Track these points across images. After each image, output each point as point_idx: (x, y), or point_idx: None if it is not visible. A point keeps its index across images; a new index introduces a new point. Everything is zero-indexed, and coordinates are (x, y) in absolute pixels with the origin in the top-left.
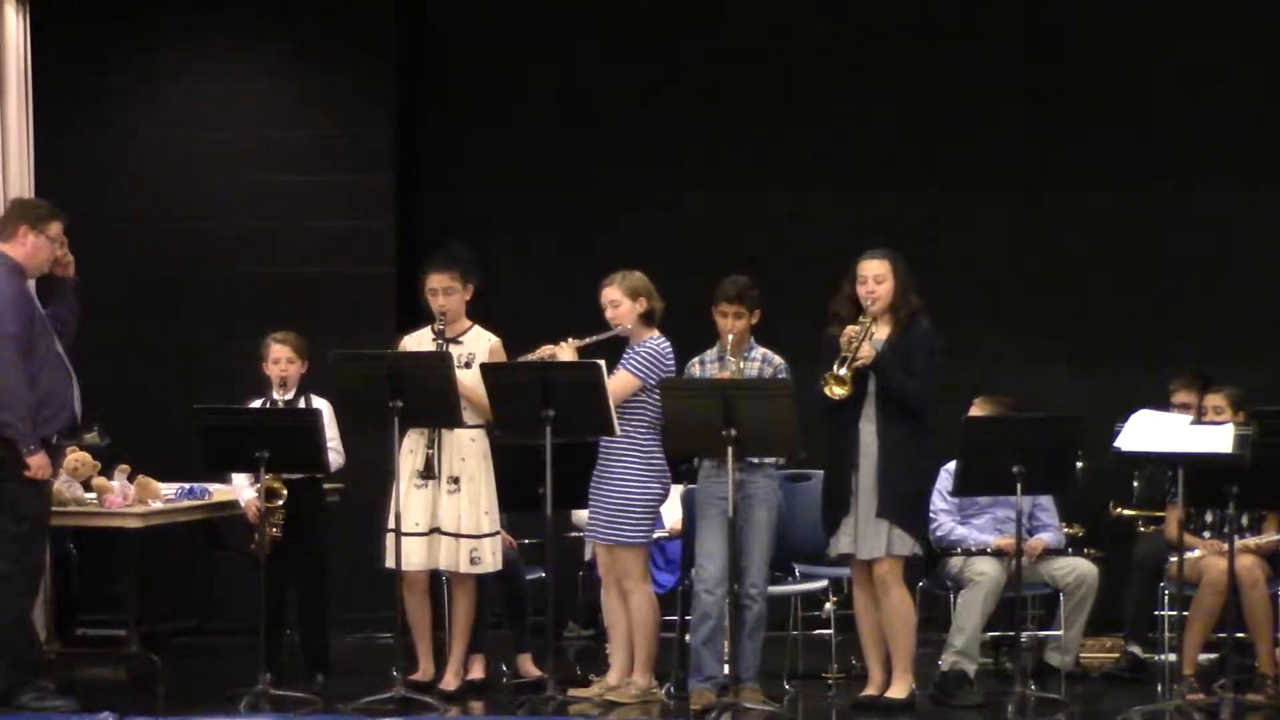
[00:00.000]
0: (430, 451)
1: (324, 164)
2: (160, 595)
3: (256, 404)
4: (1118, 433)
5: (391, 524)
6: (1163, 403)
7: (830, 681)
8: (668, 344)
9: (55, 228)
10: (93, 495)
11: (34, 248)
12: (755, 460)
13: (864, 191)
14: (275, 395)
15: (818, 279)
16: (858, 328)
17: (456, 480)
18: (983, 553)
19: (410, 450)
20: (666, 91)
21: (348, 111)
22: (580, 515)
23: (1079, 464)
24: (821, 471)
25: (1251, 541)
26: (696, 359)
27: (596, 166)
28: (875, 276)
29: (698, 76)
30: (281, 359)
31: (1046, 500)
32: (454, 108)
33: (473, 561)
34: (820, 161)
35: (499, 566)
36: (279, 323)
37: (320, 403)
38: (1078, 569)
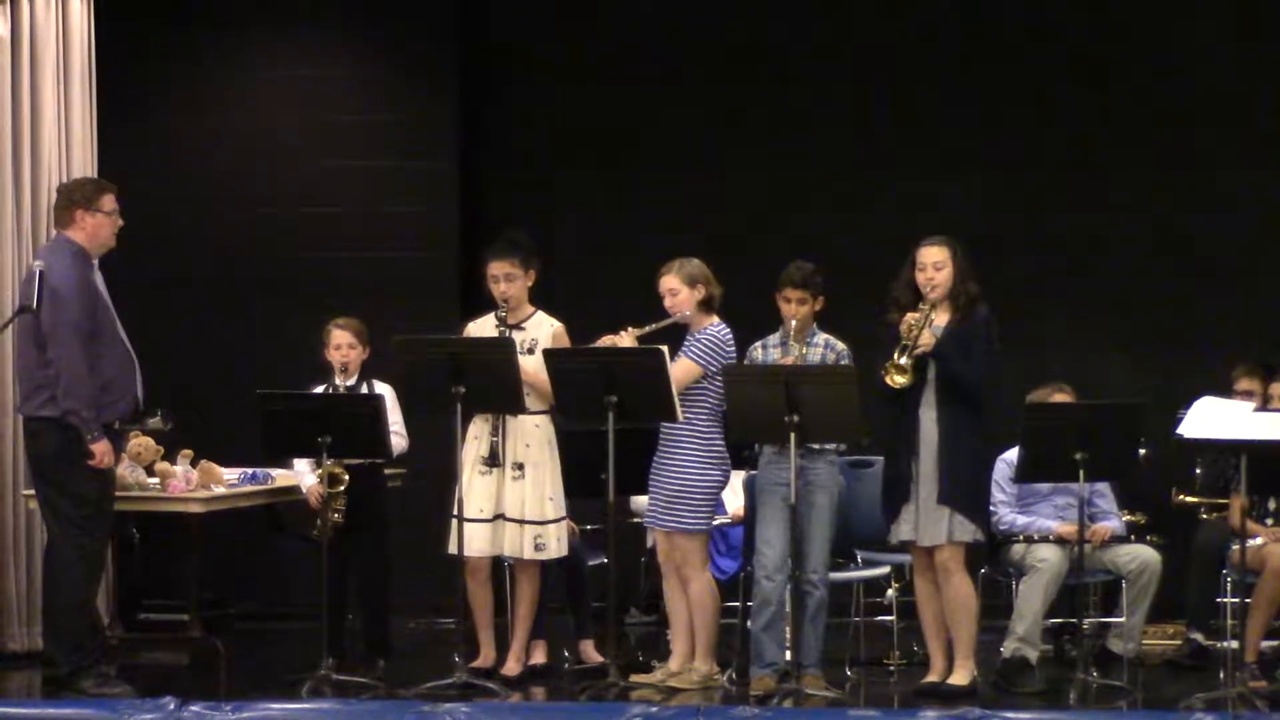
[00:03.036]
0: (495, 439)
1: (388, 149)
2: (223, 580)
3: (319, 390)
4: (1180, 420)
5: (456, 510)
6: (1226, 390)
7: (892, 668)
8: (728, 330)
9: (108, 200)
10: (155, 480)
11: (94, 227)
12: (816, 447)
13: (923, 177)
14: (337, 381)
15: (878, 265)
16: (918, 315)
17: (521, 467)
18: (1045, 539)
19: (475, 437)
20: (733, 71)
21: (411, 97)
22: (641, 501)
23: (1141, 451)
24: (882, 459)
25: None
26: (759, 343)
27: (661, 153)
28: (934, 263)
29: (767, 56)
30: (343, 344)
31: (1104, 487)
32: (518, 92)
33: (537, 548)
34: (883, 145)
35: (564, 552)
36: (341, 308)
37: (383, 387)
38: (1140, 556)
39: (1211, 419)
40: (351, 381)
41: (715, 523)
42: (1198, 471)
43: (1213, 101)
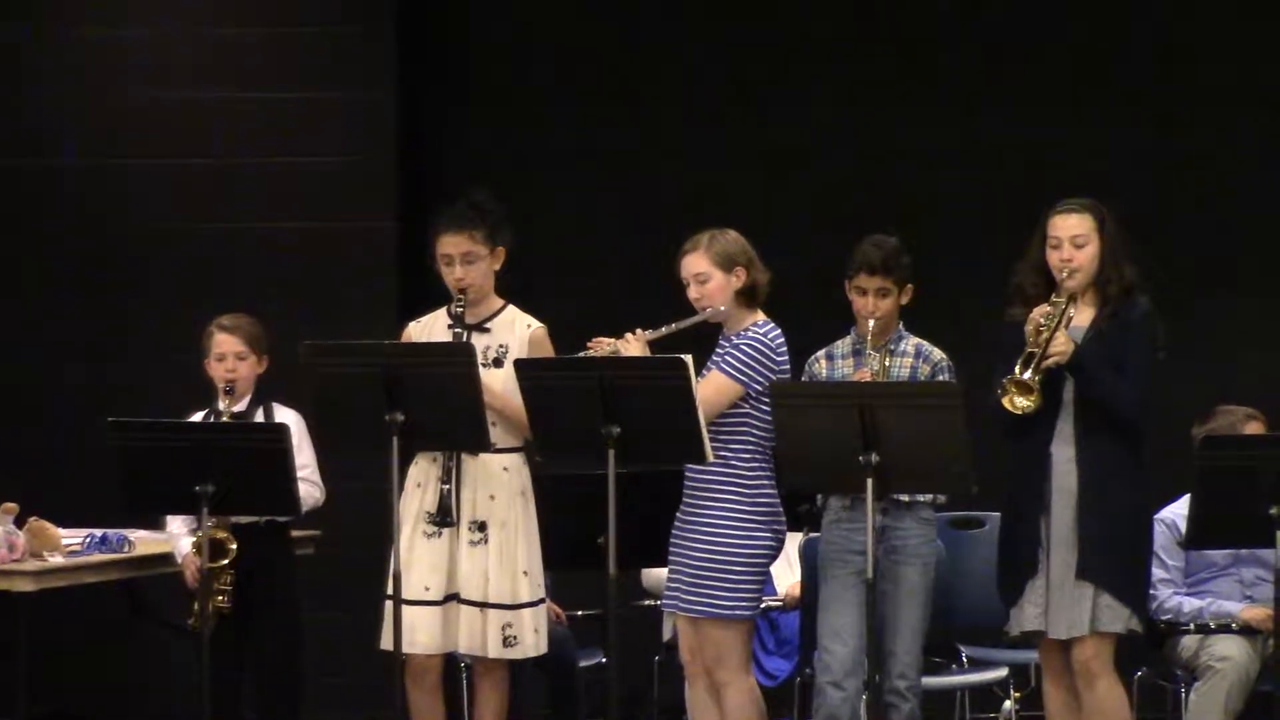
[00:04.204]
0: (445, 487)
1: (297, 74)
2: (64, 684)
3: (197, 418)
4: None
5: (391, 588)
6: None
7: None
8: (778, 332)
9: None
10: None
11: None
12: (905, 499)
13: (1051, 113)
14: (221, 405)
15: (989, 239)
16: (1049, 310)
17: (483, 528)
18: (1226, 629)
19: (418, 484)
20: None
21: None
22: (657, 576)
23: None
24: (998, 515)
25: None
26: (823, 352)
27: (673, 86)
28: (1073, 238)
29: None
30: (229, 354)
31: None
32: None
33: (507, 643)
34: (984, 70)
35: (543, 649)
36: (228, 303)
37: (287, 415)
38: None
39: None
40: (241, 406)
41: (762, 606)
42: None
43: None
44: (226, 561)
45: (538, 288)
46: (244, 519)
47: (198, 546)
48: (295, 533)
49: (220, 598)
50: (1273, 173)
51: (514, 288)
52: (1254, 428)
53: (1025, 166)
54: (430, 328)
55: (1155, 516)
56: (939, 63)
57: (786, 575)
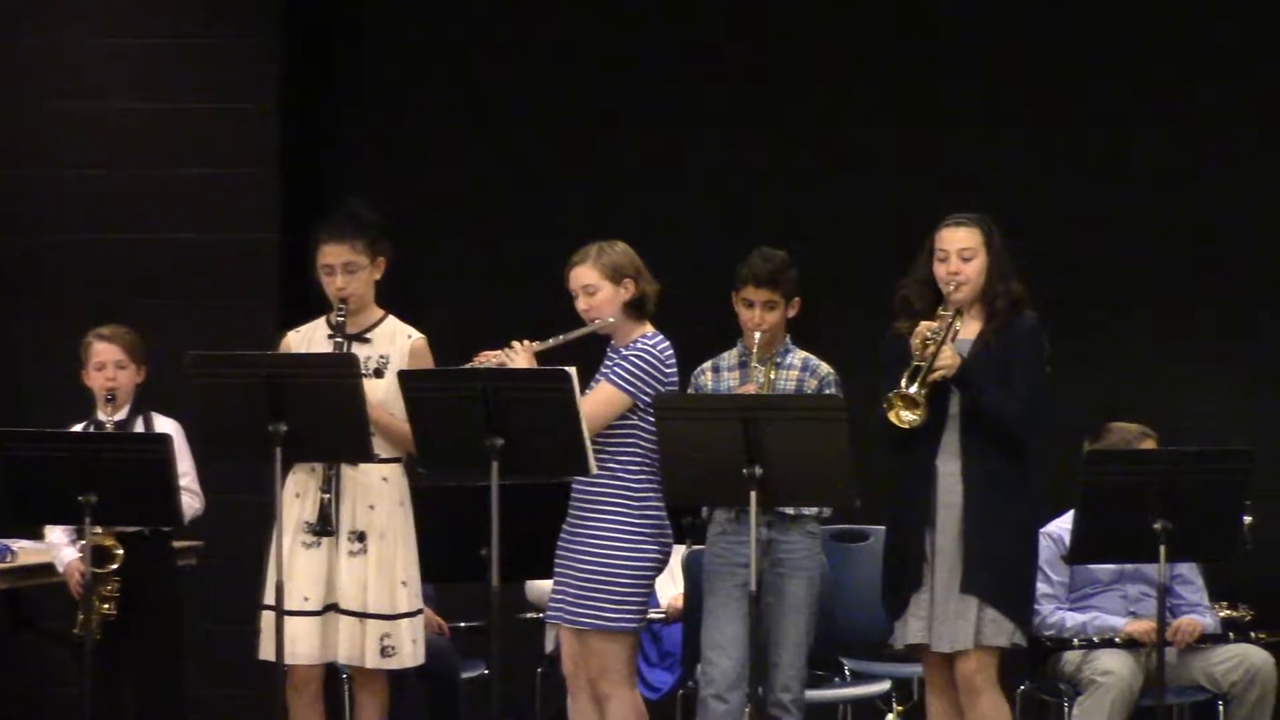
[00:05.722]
0: (326, 496)
1: (181, 86)
2: None
3: (78, 428)
4: None
5: (271, 599)
6: None
7: None
8: (667, 344)
9: None
10: None
11: None
12: (790, 512)
13: (939, 128)
14: (102, 415)
15: (877, 254)
16: (936, 324)
17: (363, 538)
18: (1109, 643)
19: (297, 495)
20: None
21: (216, 9)
22: (541, 588)
23: (1246, 518)
24: (883, 529)
25: None
26: (709, 365)
27: (561, 97)
28: (960, 252)
29: None
30: (108, 363)
31: (1188, 570)
32: (376, 9)
33: (385, 653)
34: (874, 85)
35: (421, 660)
36: (106, 313)
37: (168, 424)
38: (1246, 660)
39: None
40: (122, 415)
41: (646, 618)
42: None
43: None
44: (113, 567)
45: (421, 298)
46: (127, 529)
47: (84, 554)
48: (177, 543)
49: (106, 605)
50: (1166, 187)
51: (396, 298)
52: (1148, 445)
53: (913, 181)
54: (310, 338)
55: (1041, 530)
56: (829, 78)
57: (669, 588)
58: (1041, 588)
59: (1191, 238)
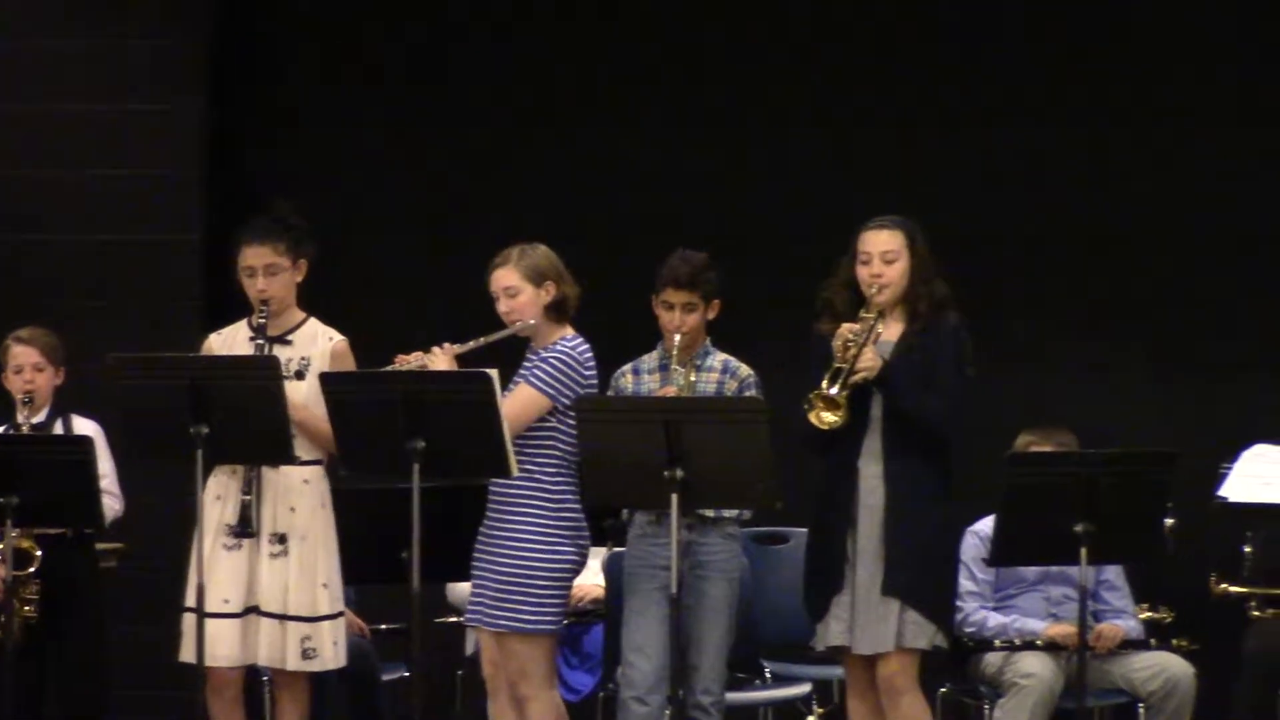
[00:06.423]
0: (247, 498)
1: (105, 86)
2: None
3: None
4: (1224, 476)
5: (192, 600)
6: None
7: None
8: (587, 346)
9: None
10: None
11: None
12: (710, 514)
13: (864, 130)
14: (20, 418)
15: (801, 255)
16: (858, 326)
17: (284, 540)
18: (1031, 646)
19: (217, 496)
20: None
21: (141, 11)
22: (461, 590)
23: (1168, 521)
24: (804, 531)
25: None
26: (629, 367)
27: (488, 98)
28: (884, 254)
29: None
30: (25, 365)
31: (1114, 574)
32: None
33: (306, 655)
34: (806, 89)
35: (342, 662)
36: (25, 315)
37: (87, 425)
38: (1166, 669)
39: (1267, 475)
40: (40, 418)
41: (566, 622)
42: (1247, 550)
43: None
44: (33, 570)
45: (343, 301)
46: (48, 531)
47: (3, 556)
48: (100, 545)
49: (27, 608)
50: (1090, 191)
51: (319, 300)
52: (1069, 448)
53: (836, 184)
54: (231, 340)
55: (969, 529)
56: (747, 80)
57: (591, 590)
58: (966, 585)
59: (1116, 241)
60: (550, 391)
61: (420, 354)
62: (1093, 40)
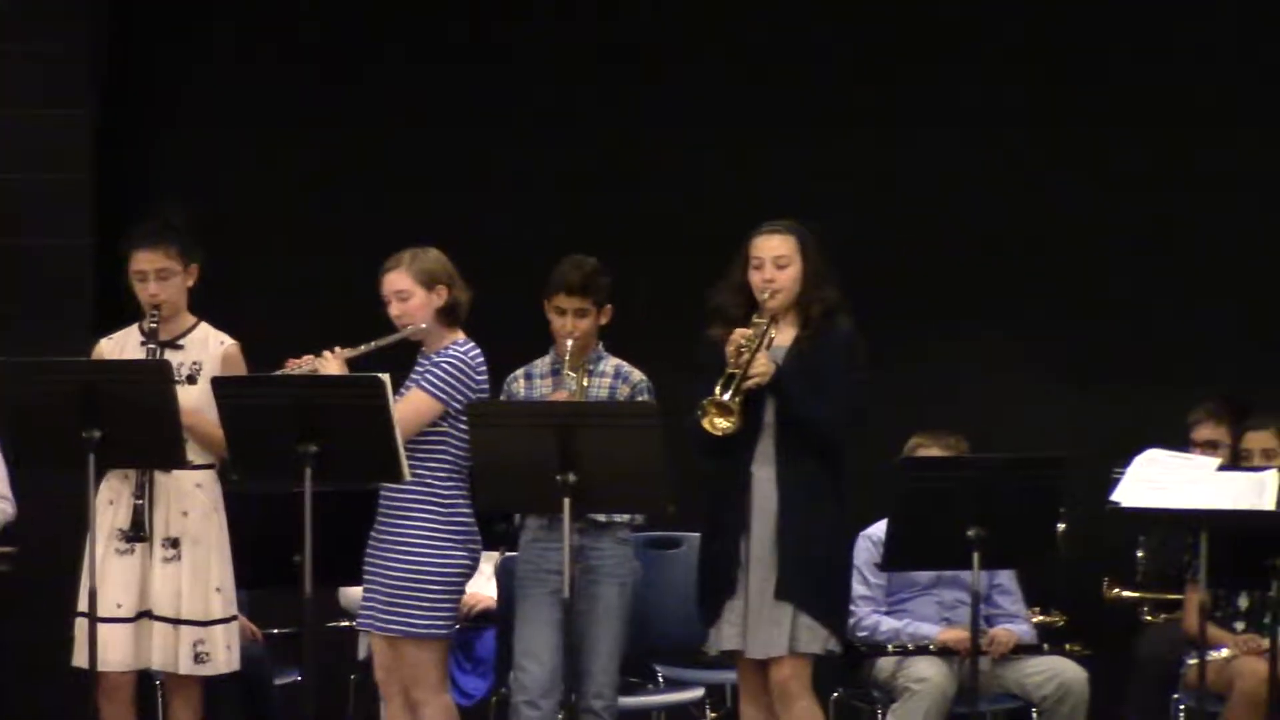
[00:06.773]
0: (139, 502)
1: None
2: None
3: None
4: (1116, 481)
5: (84, 605)
6: (1181, 440)
7: None
8: (478, 351)
9: None
10: None
11: None
12: (603, 518)
13: (759, 134)
14: None
15: (689, 260)
16: (750, 332)
17: (176, 544)
18: (924, 650)
19: (110, 500)
20: None
21: (27, 13)
22: (354, 595)
23: (1060, 526)
24: (697, 535)
25: None
26: (521, 372)
27: (375, 100)
28: (775, 259)
29: None
30: None
31: (1007, 578)
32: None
33: (199, 659)
34: (707, 90)
35: (235, 666)
36: None
37: None
38: (1059, 674)
39: (1159, 480)
40: None
41: (458, 626)
42: (1139, 555)
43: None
44: None
45: (234, 305)
46: None
47: None
48: None
49: None
50: (988, 194)
51: (209, 305)
52: (951, 449)
53: (729, 188)
54: (123, 344)
55: (863, 533)
56: (644, 79)
57: (483, 594)
58: (859, 589)
59: (1014, 245)
60: (442, 396)
61: (311, 358)
62: (1019, 36)
